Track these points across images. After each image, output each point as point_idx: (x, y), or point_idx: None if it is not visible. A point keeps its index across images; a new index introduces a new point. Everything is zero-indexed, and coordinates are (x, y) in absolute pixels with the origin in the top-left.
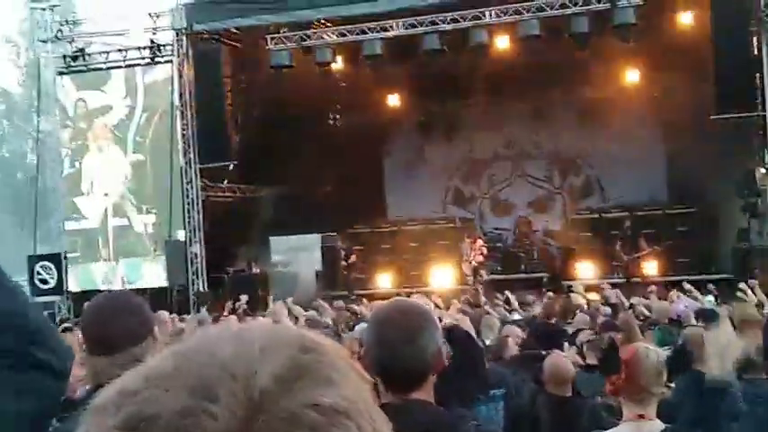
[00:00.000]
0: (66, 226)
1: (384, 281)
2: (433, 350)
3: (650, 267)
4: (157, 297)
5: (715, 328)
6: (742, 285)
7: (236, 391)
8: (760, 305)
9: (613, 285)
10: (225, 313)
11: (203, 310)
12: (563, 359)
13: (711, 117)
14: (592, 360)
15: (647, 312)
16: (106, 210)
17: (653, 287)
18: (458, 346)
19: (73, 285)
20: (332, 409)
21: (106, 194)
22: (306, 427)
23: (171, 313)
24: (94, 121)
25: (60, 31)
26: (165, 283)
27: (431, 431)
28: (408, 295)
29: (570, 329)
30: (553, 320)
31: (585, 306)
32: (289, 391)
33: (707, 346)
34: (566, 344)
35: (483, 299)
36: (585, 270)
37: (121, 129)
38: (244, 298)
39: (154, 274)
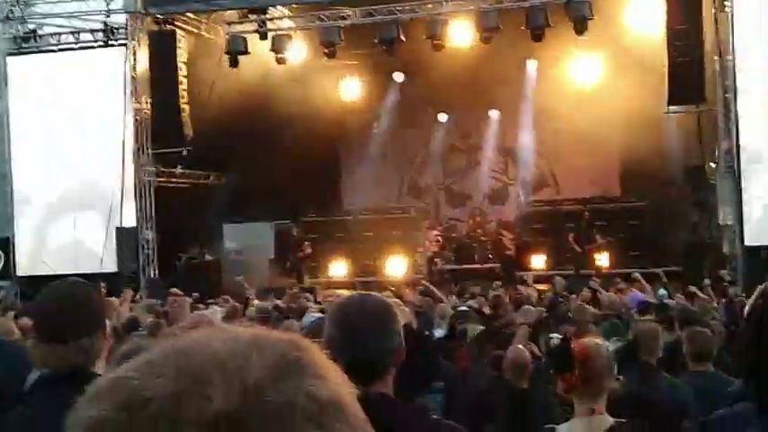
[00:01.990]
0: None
1: (338, 269)
2: (397, 343)
3: (602, 260)
4: (108, 283)
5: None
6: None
7: (230, 377)
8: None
9: (565, 277)
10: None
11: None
12: (523, 351)
13: (664, 112)
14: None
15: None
16: None
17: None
18: (412, 339)
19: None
20: (324, 399)
21: None
22: (300, 414)
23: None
24: None
25: (11, 11)
26: (115, 269)
27: (394, 424)
28: (363, 284)
29: (518, 320)
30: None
31: (536, 297)
32: (282, 381)
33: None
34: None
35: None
36: (538, 261)
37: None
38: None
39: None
